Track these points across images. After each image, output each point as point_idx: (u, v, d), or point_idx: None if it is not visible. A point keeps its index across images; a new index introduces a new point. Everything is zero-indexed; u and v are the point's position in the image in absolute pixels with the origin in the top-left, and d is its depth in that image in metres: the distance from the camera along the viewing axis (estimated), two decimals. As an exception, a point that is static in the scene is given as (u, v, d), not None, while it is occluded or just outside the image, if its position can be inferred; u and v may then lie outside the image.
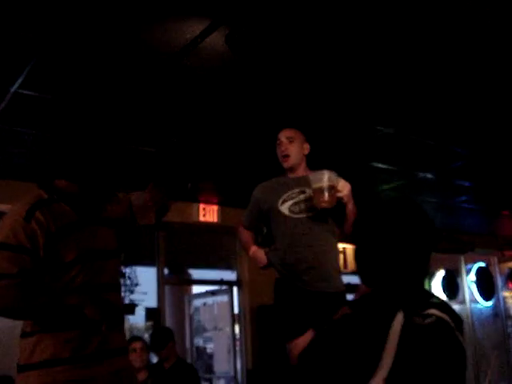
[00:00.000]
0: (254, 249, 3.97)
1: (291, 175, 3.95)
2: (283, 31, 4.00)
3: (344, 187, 3.61)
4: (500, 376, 11.66)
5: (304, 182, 3.82)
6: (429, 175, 7.80)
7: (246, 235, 4.10)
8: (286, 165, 3.92)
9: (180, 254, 9.59)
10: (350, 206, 3.68)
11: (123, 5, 3.62)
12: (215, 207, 8.50)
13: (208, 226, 8.53)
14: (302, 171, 3.95)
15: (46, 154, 2.73)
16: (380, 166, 7.25)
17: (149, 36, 3.99)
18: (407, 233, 1.73)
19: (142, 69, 4.45)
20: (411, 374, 1.56)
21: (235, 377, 8.59)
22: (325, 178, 3.56)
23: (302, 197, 3.81)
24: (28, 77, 4.46)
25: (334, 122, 5.71)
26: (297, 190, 3.83)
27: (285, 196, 3.83)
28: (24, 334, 2.49)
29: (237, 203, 8.36)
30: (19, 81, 4.51)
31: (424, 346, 1.59)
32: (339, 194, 3.58)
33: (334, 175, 3.61)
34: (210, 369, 9.09)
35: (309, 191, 3.74)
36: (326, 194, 3.54)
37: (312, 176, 3.66)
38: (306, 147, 3.99)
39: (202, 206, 8.39)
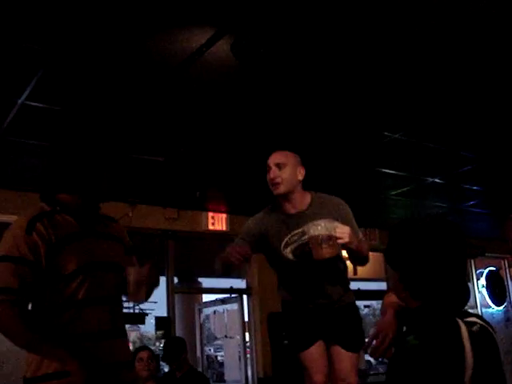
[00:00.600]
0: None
1: (288, 209, 3.65)
2: (288, 39, 4.00)
3: (343, 233, 3.32)
4: (511, 382, 11.58)
5: (305, 219, 3.56)
6: (437, 180, 7.77)
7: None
8: (275, 192, 3.59)
9: (189, 262, 9.62)
10: (355, 245, 3.42)
11: (129, 15, 3.64)
12: (224, 215, 8.50)
13: (217, 234, 8.53)
14: (298, 202, 3.65)
15: (49, 167, 2.74)
16: (388, 171, 7.23)
17: (155, 46, 4.01)
18: (447, 249, 1.89)
19: (148, 78, 4.47)
20: (485, 376, 1.77)
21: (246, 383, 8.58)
22: (319, 227, 3.31)
23: (304, 239, 3.52)
24: (35, 88, 4.48)
25: (341, 128, 5.71)
26: (299, 231, 3.57)
27: (286, 239, 3.59)
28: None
29: (245, 211, 8.35)
30: (26, 92, 4.53)
31: (485, 351, 1.79)
32: (340, 241, 3.31)
33: (330, 222, 3.36)
34: (220, 377, 9.09)
35: (313, 229, 3.41)
36: (324, 246, 3.30)
37: (306, 227, 3.40)
38: (301, 172, 3.66)
39: (210, 214, 8.40)
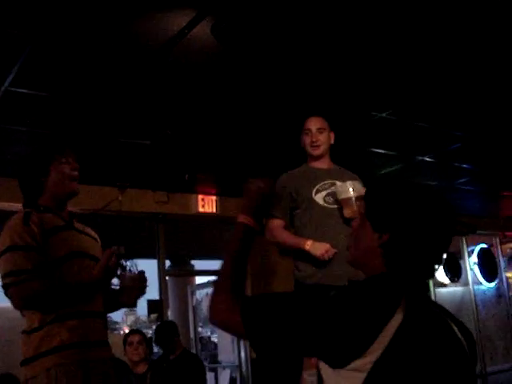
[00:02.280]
0: (309, 243, 3.78)
1: (318, 165, 4.10)
2: (270, 18, 3.97)
3: None
4: (505, 357, 11.68)
5: (333, 174, 4.02)
6: (427, 158, 7.77)
7: (284, 232, 3.98)
8: (316, 153, 4.06)
9: (181, 245, 9.63)
10: None
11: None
12: (214, 198, 8.49)
13: (207, 216, 8.53)
14: (327, 162, 4.15)
15: (21, 177, 3.06)
16: (377, 150, 7.23)
17: (137, 28, 3.97)
18: (432, 218, 1.66)
19: (131, 61, 4.44)
20: (401, 365, 1.47)
21: (240, 366, 8.62)
22: (351, 188, 3.70)
23: (333, 188, 3.93)
24: (19, 74, 4.44)
25: (328, 108, 5.68)
26: (328, 182, 3.97)
27: (318, 186, 3.97)
28: (32, 330, 2.67)
29: (235, 193, 8.37)
30: (10, 78, 4.49)
31: (421, 340, 1.52)
32: None
33: (358, 184, 3.75)
34: (214, 359, 9.13)
35: (339, 183, 3.88)
36: (355, 205, 3.64)
37: (339, 187, 3.80)
38: (332, 136, 4.18)
39: (200, 196, 8.38)
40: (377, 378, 1.45)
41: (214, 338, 10.09)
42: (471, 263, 11.90)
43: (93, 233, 3.16)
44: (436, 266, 1.70)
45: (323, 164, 4.11)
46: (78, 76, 4.63)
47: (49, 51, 4.20)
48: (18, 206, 3.03)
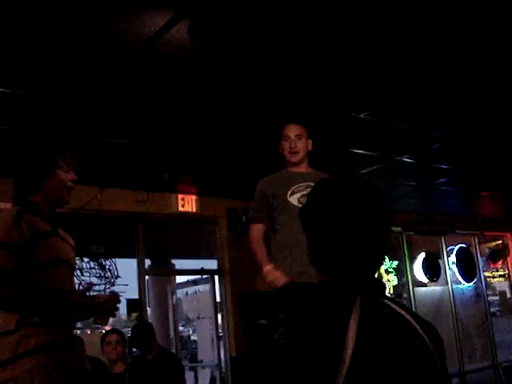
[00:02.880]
0: (268, 267, 3.96)
1: (295, 170, 4.18)
2: (247, 19, 3.99)
3: None
4: (483, 355, 11.78)
5: (309, 177, 4.05)
6: (406, 159, 7.82)
7: (259, 246, 4.12)
8: (294, 159, 4.14)
9: (160, 244, 9.62)
10: None
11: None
12: (194, 197, 8.49)
13: (187, 215, 8.53)
14: (305, 167, 4.22)
15: (17, 173, 2.97)
16: (357, 151, 7.26)
17: (115, 28, 3.97)
18: (364, 216, 1.56)
19: (109, 61, 4.43)
20: (371, 367, 1.42)
21: (219, 365, 8.63)
22: None
23: (309, 190, 3.84)
24: (-4, 73, 4.42)
25: (307, 109, 5.70)
26: (304, 184, 4.03)
27: (293, 188, 4.05)
28: (6, 333, 2.62)
29: (215, 192, 8.39)
30: (-13, 77, 4.48)
31: (384, 338, 1.46)
32: None
33: None
34: (194, 357, 9.13)
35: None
36: None
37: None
38: (310, 143, 4.24)
39: (180, 196, 8.38)
40: None
41: (194, 337, 10.08)
42: (450, 263, 12.00)
43: (71, 241, 3.13)
44: (374, 265, 1.62)
45: (301, 169, 4.19)
46: (55, 75, 4.62)
47: (25, 50, 4.18)
48: (4, 205, 2.99)
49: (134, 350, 9.03)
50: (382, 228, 1.59)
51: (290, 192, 4.04)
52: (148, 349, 6.04)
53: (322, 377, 1.39)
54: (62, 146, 3.05)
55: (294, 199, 4.01)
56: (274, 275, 3.90)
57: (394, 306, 1.56)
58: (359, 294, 1.50)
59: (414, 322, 1.54)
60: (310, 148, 4.24)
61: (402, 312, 1.55)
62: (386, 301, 1.56)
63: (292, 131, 4.17)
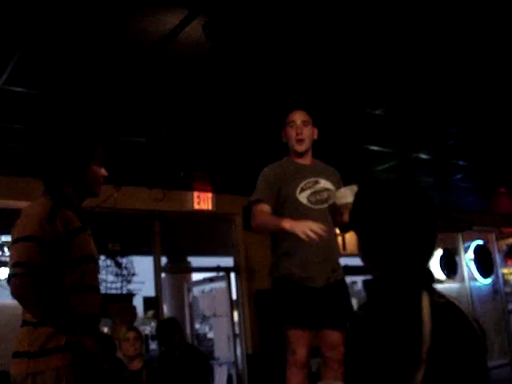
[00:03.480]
0: (286, 222, 3.55)
1: (301, 161, 3.94)
2: (262, 16, 4.00)
3: None
4: (500, 352, 11.72)
5: (316, 171, 3.90)
6: (423, 155, 7.78)
7: (266, 215, 3.77)
8: (299, 148, 3.89)
9: (176, 242, 9.63)
10: None
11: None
12: (209, 195, 8.51)
13: (203, 213, 8.56)
14: (309, 158, 3.98)
15: (54, 161, 2.90)
16: (373, 148, 7.24)
17: (130, 27, 3.99)
18: (412, 213, 1.70)
19: (124, 60, 4.46)
20: (448, 352, 1.56)
21: (235, 362, 8.64)
22: (347, 194, 3.48)
23: (318, 187, 3.84)
24: (13, 73, 4.45)
25: (323, 105, 5.70)
26: (312, 179, 3.85)
27: (302, 184, 3.83)
28: (37, 324, 2.61)
29: (231, 190, 8.40)
30: (4, 77, 4.51)
31: (451, 324, 1.61)
32: None
33: (353, 190, 3.50)
34: (210, 355, 9.14)
35: (323, 182, 3.82)
36: None
37: (338, 193, 3.61)
38: (316, 132, 3.99)
39: (196, 194, 8.40)
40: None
41: (211, 335, 10.10)
42: (467, 259, 11.93)
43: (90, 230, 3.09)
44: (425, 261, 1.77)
45: (306, 160, 3.96)
46: (71, 74, 4.65)
47: (43, 50, 4.22)
48: (15, 203, 2.95)
49: (152, 347, 9.10)
50: (429, 222, 1.73)
51: (299, 189, 3.81)
52: (175, 346, 6.11)
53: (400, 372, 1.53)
54: (98, 141, 3.01)
55: (303, 197, 3.80)
56: (304, 225, 3.46)
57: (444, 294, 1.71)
58: (420, 285, 1.68)
59: (463, 310, 1.68)
60: (315, 137, 3.98)
61: (453, 300, 1.70)
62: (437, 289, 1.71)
63: (298, 117, 3.91)
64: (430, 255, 1.78)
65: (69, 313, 2.64)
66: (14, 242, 2.65)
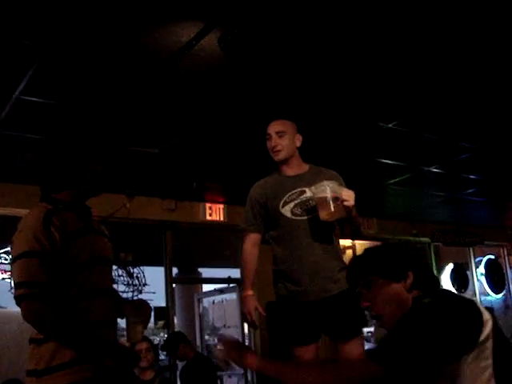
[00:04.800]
0: (246, 294, 3.91)
1: (287, 172, 3.88)
2: (277, 30, 4.02)
3: (350, 196, 3.46)
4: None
5: (303, 180, 3.80)
6: (434, 169, 7.78)
7: (250, 256, 3.92)
8: (276, 158, 3.86)
9: (188, 253, 9.66)
10: (354, 212, 3.57)
11: (120, 10, 3.65)
12: (221, 206, 8.53)
13: (214, 224, 8.57)
14: (296, 166, 3.90)
15: (45, 165, 2.83)
16: (385, 161, 7.24)
17: (146, 39, 4.02)
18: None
19: (139, 71, 4.50)
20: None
21: (245, 374, 8.63)
22: (327, 188, 3.44)
23: (303, 198, 3.75)
24: (29, 83, 4.50)
25: (335, 119, 5.72)
26: (297, 190, 3.77)
27: (285, 197, 3.76)
28: (42, 340, 2.54)
29: (243, 201, 8.38)
30: (21, 87, 4.56)
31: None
32: (346, 204, 3.43)
33: (336, 184, 3.50)
34: (220, 366, 9.13)
35: (308, 191, 3.68)
36: (332, 206, 3.42)
37: (314, 188, 3.54)
38: (298, 139, 3.90)
39: (208, 205, 8.43)
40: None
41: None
42: (478, 274, 11.87)
43: (106, 231, 2.98)
44: None
45: (292, 169, 3.89)
46: (87, 85, 4.70)
47: (59, 61, 4.26)
48: (24, 212, 2.84)
49: (161, 358, 9.10)
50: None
51: (282, 203, 3.75)
52: (179, 355, 6.21)
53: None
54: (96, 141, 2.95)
55: (286, 211, 3.73)
56: (247, 307, 3.84)
57: None
58: None
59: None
60: (298, 144, 3.88)
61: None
62: None
63: (272, 128, 3.86)
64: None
65: (79, 328, 2.55)
66: (12, 260, 2.57)
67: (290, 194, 3.77)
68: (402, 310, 2.14)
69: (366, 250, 2.37)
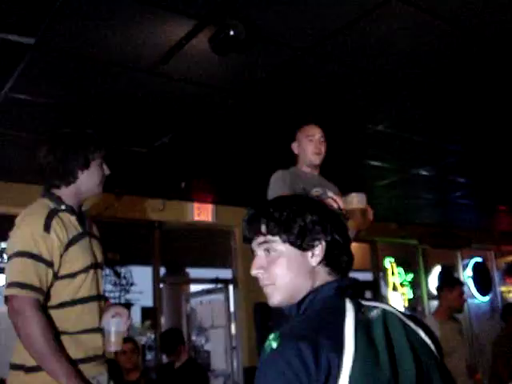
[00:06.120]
0: None
1: (310, 171, 4.03)
2: (270, 31, 4.02)
3: (371, 211, 3.67)
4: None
5: (323, 182, 4.00)
6: (423, 171, 7.81)
7: None
8: (317, 161, 4.00)
9: (176, 253, 9.63)
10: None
11: (109, 8, 3.62)
12: (210, 206, 8.52)
13: (203, 224, 8.57)
14: (318, 171, 4.09)
15: (46, 161, 2.79)
16: (373, 163, 7.26)
17: (135, 38, 4.00)
18: None
19: (128, 70, 4.47)
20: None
21: (232, 374, 8.63)
22: (356, 200, 3.60)
23: (326, 195, 3.86)
24: (18, 80, 4.48)
25: (325, 121, 5.71)
26: (321, 189, 3.91)
27: (313, 191, 3.84)
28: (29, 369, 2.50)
29: (231, 202, 8.41)
30: (9, 84, 4.53)
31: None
32: (370, 217, 3.64)
33: (361, 197, 3.65)
34: (207, 367, 9.13)
35: (330, 192, 3.87)
36: (360, 217, 3.59)
37: (349, 197, 3.68)
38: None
39: (196, 205, 8.41)
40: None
41: (208, 347, 10.08)
42: (465, 277, 11.93)
43: (97, 233, 2.98)
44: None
45: (314, 172, 4.08)
46: (75, 83, 4.67)
47: (47, 59, 4.24)
48: (16, 210, 2.79)
49: (148, 358, 9.07)
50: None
51: (313, 192, 3.85)
52: (176, 356, 6.13)
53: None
54: (99, 141, 2.95)
55: None
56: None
57: (380, 305, 1.61)
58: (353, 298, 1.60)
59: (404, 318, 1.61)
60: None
61: (393, 311, 1.61)
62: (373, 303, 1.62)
63: (318, 132, 4.06)
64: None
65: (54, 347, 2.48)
66: (8, 257, 2.56)
67: (316, 190, 3.89)
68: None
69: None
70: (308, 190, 3.84)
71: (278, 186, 3.88)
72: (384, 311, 1.58)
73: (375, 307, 1.59)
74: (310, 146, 4.01)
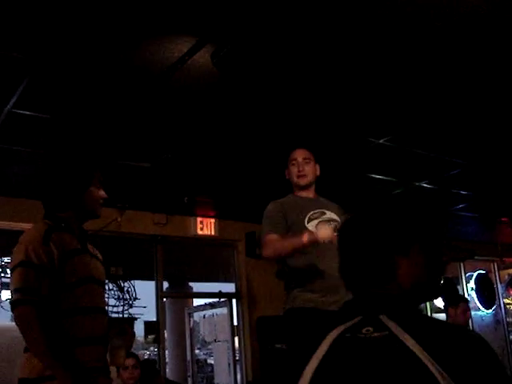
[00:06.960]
0: (305, 235, 3.64)
1: (304, 195, 4.08)
2: (269, 46, 4.05)
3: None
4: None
5: (320, 204, 4.02)
6: (425, 184, 7.81)
7: (279, 239, 3.84)
8: (303, 182, 4.05)
9: (179, 267, 9.64)
10: None
11: (113, 25, 3.67)
12: (212, 220, 8.54)
13: (206, 239, 8.58)
14: (313, 193, 4.14)
15: (48, 186, 2.90)
16: (376, 176, 7.27)
17: (139, 54, 4.04)
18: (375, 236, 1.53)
19: (132, 86, 4.51)
20: None
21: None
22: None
23: (325, 217, 3.94)
24: (22, 96, 4.50)
25: (327, 134, 5.74)
26: (319, 211, 3.96)
27: (309, 215, 3.94)
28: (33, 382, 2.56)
29: (234, 216, 8.42)
30: (13, 100, 4.56)
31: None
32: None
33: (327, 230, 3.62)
34: (210, 381, 9.11)
35: (328, 213, 3.94)
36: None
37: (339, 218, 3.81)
38: (318, 168, 4.16)
39: (199, 219, 8.43)
40: None
41: (211, 361, 10.06)
42: (469, 289, 11.89)
43: (100, 255, 3.05)
44: None
45: (309, 194, 4.11)
46: (79, 99, 4.70)
47: (51, 75, 4.27)
48: (20, 225, 2.91)
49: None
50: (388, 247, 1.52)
51: (307, 219, 3.92)
52: None
53: None
54: (97, 164, 3.01)
55: (311, 226, 3.87)
56: (317, 233, 3.62)
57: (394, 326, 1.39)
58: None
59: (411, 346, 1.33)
60: (318, 173, 4.16)
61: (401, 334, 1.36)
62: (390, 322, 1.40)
63: (299, 155, 4.10)
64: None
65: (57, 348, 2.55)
66: (11, 269, 2.65)
67: (312, 212, 3.95)
68: None
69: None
70: (304, 215, 3.92)
71: (265, 223, 3.99)
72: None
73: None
74: (293, 169, 4.10)
